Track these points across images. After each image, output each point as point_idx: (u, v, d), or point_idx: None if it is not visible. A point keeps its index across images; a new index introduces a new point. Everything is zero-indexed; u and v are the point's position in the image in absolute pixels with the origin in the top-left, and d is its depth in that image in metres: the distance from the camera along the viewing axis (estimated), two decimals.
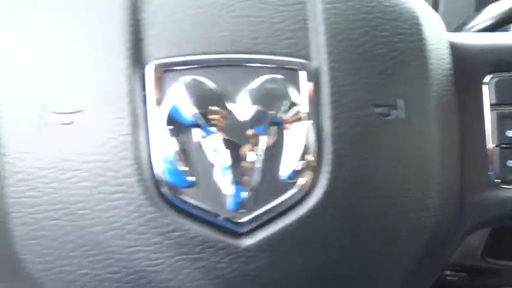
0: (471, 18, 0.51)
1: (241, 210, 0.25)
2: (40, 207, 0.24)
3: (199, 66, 0.25)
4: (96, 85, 0.24)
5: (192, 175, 0.25)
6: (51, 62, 0.25)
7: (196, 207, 0.24)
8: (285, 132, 0.25)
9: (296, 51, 0.26)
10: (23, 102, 0.24)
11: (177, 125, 0.25)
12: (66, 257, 0.24)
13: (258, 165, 0.25)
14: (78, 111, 0.24)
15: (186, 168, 0.24)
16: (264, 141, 0.25)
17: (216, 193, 0.25)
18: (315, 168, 0.25)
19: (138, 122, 0.24)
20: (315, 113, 0.26)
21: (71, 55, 0.24)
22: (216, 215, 0.25)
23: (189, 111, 0.24)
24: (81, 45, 0.25)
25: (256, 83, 0.25)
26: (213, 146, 0.25)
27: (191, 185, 0.25)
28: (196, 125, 0.25)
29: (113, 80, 0.24)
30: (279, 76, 0.26)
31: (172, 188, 0.24)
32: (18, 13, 0.25)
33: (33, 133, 0.24)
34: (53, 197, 0.24)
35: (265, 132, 0.25)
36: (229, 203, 0.25)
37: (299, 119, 0.25)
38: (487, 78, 0.31)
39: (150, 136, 0.24)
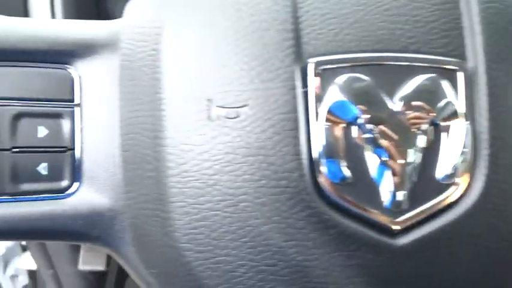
0: None
1: (397, 209, 0.25)
2: (202, 198, 0.25)
3: (357, 64, 0.25)
4: (260, 81, 0.25)
5: (350, 172, 0.25)
6: (217, 59, 0.25)
7: (353, 204, 0.25)
8: (442, 132, 0.25)
9: (451, 51, 0.26)
10: (190, 97, 0.25)
11: (337, 122, 0.25)
12: (225, 247, 0.25)
13: (416, 164, 0.25)
14: (243, 106, 0.25)
15: (344, 165, 0.25)
16: (422, 140, 0.25)
17: (373, 191, 0.25)
18: (471, 170, 0.25)
19: (299, 118, 0.25)
20: (471, 113, 0.25)
21: (236, 52, 0.25)
22: (373, 213, 0.25)
23: (348, 108, 0.25)
24: (245, 43, 0.25)
25: (413, 82, 0.25)
26: (371, 143, 0.25)
27: (349, 182, 0.25)
28: (356, 123, 0.25)
29: (276, 76, 0.25)
30: (436, 75, 0.25)
31: (331, 184, 0.25)
32: (187, 11, 0.26)
33: (199, 126, 0.25)
34: (216, 189, 0.25)
35: (423, 132, 0.25)
36: (386, 201, 0.25)
37: (456, 120, 0.25)
38: None
39: (310, 132, 0.25)
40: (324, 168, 0.24)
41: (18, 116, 0.27)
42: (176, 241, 0.25)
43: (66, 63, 0.29)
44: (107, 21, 0.31)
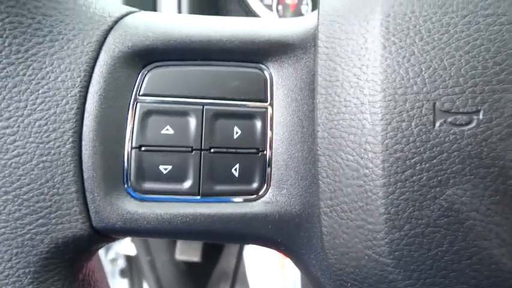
0: None
1: None
2: (418, 212, 0.22)
3: None
4: (497, 81, 0.22)
5: None
6: (444, 54, 0.23)
7: None
8: None
9: None
10: (410, 100, 0.23)
11: None
12: (443, 268, 0.22)
13: None
14: (475, 111, 0.22)
15: None
16: None
17: None
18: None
19: None
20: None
21: (466, 44, 0.22)
22: None
23: None
24: (477, 33, 0.22)
25: None
26: None
27: None
28: None
29: None
30: None
31: None
32: None
33: (421, 133, 0.22)
34: (437, 203, 0.22)
35: None
36: None
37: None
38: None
39: None
40: None
41: (216, 116, 0.26)
42: (382, 255, 0.23)
43: (260, 63, 0.28)
44: (302, 18, 0.29)
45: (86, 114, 0.25)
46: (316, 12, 0.29)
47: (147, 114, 0.26)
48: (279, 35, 0.28)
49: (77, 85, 0.24)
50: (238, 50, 0.27)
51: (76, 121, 0.24)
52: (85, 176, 0.24)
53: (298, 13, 0.89)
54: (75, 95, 0.24)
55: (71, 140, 0.24)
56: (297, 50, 0.28)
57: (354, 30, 0.25)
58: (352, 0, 0.26)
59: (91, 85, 0.25)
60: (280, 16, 0.89)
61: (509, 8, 0.22)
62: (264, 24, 0.29)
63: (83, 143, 0.24)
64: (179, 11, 0.75)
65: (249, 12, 0.91)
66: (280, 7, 0.90)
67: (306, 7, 0.89)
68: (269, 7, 0.90)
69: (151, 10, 0.75)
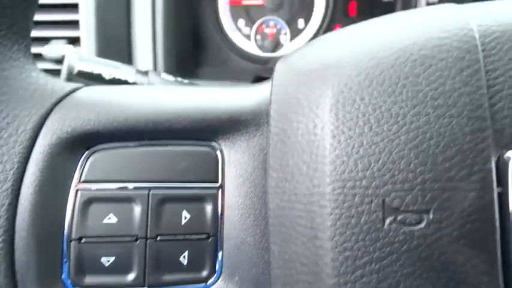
0: None
1: None
2: None
3: None
4: (447, 179, 0.21)
5: None
6: (394, 150, 0.22)
7: None
8: None
9: None
10: (359, 196, 0.21)
11: None
12: None
13: None
14: (425, 210, 0.21)
15: None
16: None
17: None
18: None
19: (496, 225, 0.20)
20: None
21: (416, 144, 0.21)
22: None
23: None
24: (428, 131, 0.21)
25: None
26: None
27: None
28: None
29: (468, 173, 0.21)
30: None
31: None
32: (356, 80, 0.23)
33: (370, 231, 0.21)
34: None
35: None
36: None
37: None
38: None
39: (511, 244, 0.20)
40: None
41: (163, 201, 0.25)
42: None
43: (211, 140, 0.26)
44: (253, 88, 0.28)
45: (20, 208, 0.23)
46: (269, 83, 0.28)
47: (88, 202, 0.25)
48: (231, 110, 0.27)
49: (9, 179, 0.23)
50: (188, 129, 0.26)
51: (7, 219, 0.23)
52: (18, 276, 0.23)
53: (276, 43, 0.88)
54: (7, 190, 0.23)
55: (1, 239, 0.22)
56: (250, 126, 0.27)
57: (305, 113, 0.24)
58: (304, 79, 0.25)
59: (25, 176, 0.23)
60: (258, 45, 0.89)
61: (459, 98, 0.21)
62: (215, 96, 0.28)
63: (16, 240, 0.23)
64: (154, 45, 0.74)
65: (227, 42, 0.90)
66: (258, 37, 0.89)
67: (285, 36, 0.88)
68: (247, 37, 0.90)
69: (127, 51, 0.74)
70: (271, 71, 0.84)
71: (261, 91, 0.28)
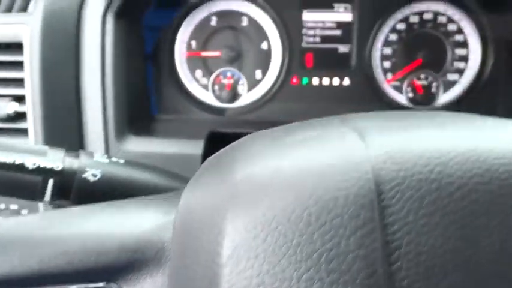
0: None
1: None
2: None
3: None
4: None
5: None
6: None
7: None
8: None
9: None
10: None
11: None
12: None
13: None
14: None
15: None
16: None
17: None
18: None
19: None
20: None
21: None
22: None
23: None
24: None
25: None
26: None
27: None
28: None
29: None
30: None
31: None
32: (248, 223, 0.22)
33: None
34: None
35: None
36: None
37: None
38: None
39: None
40: None
41: None
42: None
43: (110, 282, 0.25)
44: (156, 226, 0.27)
45: None
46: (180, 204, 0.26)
47: None
48: (131, 247, 0.25)
49: None
50: (80, 272, 0.24)
51: None
52: None
53: (234, 93, 0.87)
54: None
55: None
56: (152, 265, 0.25)
57: (201, 263, 0.22)
58: (202, 223, 0.23)
59: None
60: (216, 95, 0.88)
61: (353, 262, 0.20)
62: (117, 226, 0.26)
63: None
64: (104, 111, 0.72)
65: (184, 93, 0.89)
66: (216, 87, 0.88)
67: (242, 87, 0.88)
68: (205, 87, 0.89)
69: (76, 110, 0.72)
70: (228, 124, 0.82)
71: (167, 225, 0.26)
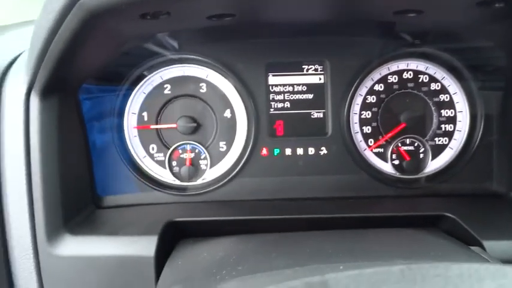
0: None
1: None
2: None
3: None
4: None
5: None
6: None
7: None
8: None
9: None
10: None
11: None
12: None
13: None
14: None
15: None
16: None
17: None
18: None
19: None
20: None
21: None
22: None
23: None
24: None
25: None
26: None
27: None
28: None
29: None
30: None
31: None
32: None
33: None
34: None
35: None
36: None
37: None
38: None
39: None
40: None
41: None
42: None
43: None
44: None
45: None
46: None
47: None
48: None
49: None
50: None
51: None
52: None
53: (195, 169, 0.75)
54: None
55: None
56: None
57: None
58: None
59: None
60: (174, 173, 0.75)
61: None
62: None
63: None
64: (31, 207, 0.58)
65: (137, 171, 0.76)
66: (174, 163, 0.76)
67: (204, 161, 0.76)
68: (161, 163, 0.76)
69: None
70: (187, 208, 0.68)
71: None
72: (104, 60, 0.64)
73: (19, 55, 0.64)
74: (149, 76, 0.75)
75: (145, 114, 0.76)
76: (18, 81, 0.60)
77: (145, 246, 0.58)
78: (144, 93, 0.75)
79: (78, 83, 0.64)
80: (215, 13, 0.56)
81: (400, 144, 0.75)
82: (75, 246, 0.60)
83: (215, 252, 0.52)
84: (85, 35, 0.49)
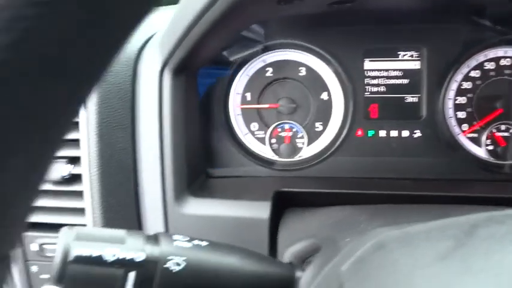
0: None
1: None
2: None
3: None
4: None
5: None
6: None
7: None
8: None
9: None
10: None
11: None
12: None
13: None
14: None
15: None
16: None
17: None
18: None
19: None
20: None
21: None
22: None
23: None
24: None
25: None
26: None
27: None
28: None
29: None
30: None
31: None
32: None
33: None
34: None
35: None
36: None
37: None
38: None
39: None
40: None
41: None
42: None
43: None
44: None
45: None
46: None
47: None
48: None
49: None
50: None
51: None
52: None
53: (293, 147, 0.82)
54: None
55: None
56: None
57: None
58: None
59: None
60: (274, 149, 0.82)
61: None
62: None
63: None
64: (162, 172, 0.67)
65: (239, 147, 0.83)
66: (273, 140, 0.82)
67: (302, 140, 0.82)
68: (261, 140, 0.83)
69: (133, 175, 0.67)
70: (290, 181, 0.74)
71: None
72: (226, 43, 0.71)
73: (151, 36, 0.73)
74: (253, 60, 0.82)
75: (248, 94, 0.83)
76: (153, 59, 0.68)
77: (260, 210, 0.65)
78: (248, 75, 0.83)
79: (201, 64, 0.72)
80: None
81: (494, 130, 0.77)
82: (198, 207, 0.68)
83: (336, 216, 0.58)
84: (228, 20, 0.56)
